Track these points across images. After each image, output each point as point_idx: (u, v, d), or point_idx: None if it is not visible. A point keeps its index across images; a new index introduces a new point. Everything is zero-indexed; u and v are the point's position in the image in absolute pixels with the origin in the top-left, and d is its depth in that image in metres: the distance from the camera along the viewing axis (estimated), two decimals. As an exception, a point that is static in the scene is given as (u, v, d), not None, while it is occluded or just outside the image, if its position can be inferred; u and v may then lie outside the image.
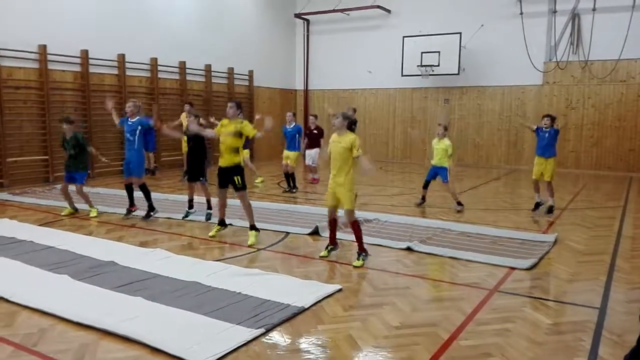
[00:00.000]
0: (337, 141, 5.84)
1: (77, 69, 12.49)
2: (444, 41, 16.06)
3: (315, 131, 11.78)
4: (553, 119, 8.78)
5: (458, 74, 16.16)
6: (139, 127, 7.92)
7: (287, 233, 7.28)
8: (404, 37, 16.75)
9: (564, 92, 15.49)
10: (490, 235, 7.15)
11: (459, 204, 9.14)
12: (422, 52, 16.36)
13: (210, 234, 7.01)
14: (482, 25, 16.02)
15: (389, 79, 17.88)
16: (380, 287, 5.08)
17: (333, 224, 6.15)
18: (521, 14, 15.48)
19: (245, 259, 6.08)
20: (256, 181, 12.06)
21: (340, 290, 4.92)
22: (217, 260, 5.87)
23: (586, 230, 7.65)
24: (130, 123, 7.98)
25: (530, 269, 5.66)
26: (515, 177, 14.37)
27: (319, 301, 4.60)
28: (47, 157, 11.88)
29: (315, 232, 7.20)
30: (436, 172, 9.16)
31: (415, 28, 16.80)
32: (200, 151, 8.16)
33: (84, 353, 3.65)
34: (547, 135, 8.66)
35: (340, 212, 6.14)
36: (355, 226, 5.89)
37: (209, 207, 8.06)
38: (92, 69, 12.70)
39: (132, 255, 5.92)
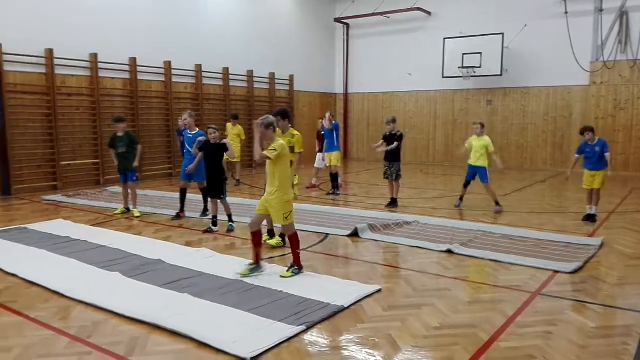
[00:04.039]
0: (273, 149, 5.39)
1: (126, 76, 13.01)
2: (486, 42, 15.84)
3: (323, 133, 11.72)
4: (593, 129, 8.16)
5: (501, 75, 15.90)
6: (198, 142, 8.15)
7: (327, 234, 7.37)
8: (444, 38, 16.62)
9: (612, 92, 14.99)
10: (533, 238, 7.04)
11: (497, 204, 9.00)
12: (463, 54, 16.19)
13: (265, 239, 6.76)
14: (526, 26, 15.72)
15: (429, 81, 17.77)
16: (420, 289, 5.10)
17: (256, 236, 5.46)
18: (566, 13, 15.10)
19: (286, 259, 6.19)
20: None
21: (379, 290, 4.97)
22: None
23: (635, 234, 7.41)
24: (190, 136, 8.33)
25: (575, 272, 5.55)
26: (561, 180, 13.98)
27: (359, 301, 4.67)
28: (98, 160, 12.42)
29: (354, 234, 7.26)
30: (475, 172, 9.03)
31: (456, 29, 16.65)
32: (219, 168, 7.55)
33: (135, 346, 3.85)
34: (596, 148, 8.00)
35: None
36: (294, 238, 5.45)
37: (230, 220, 7.76)
38: (140, 76, 13.20)
39: (179, 254, 6.15)
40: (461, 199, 9.34)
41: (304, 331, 4.03)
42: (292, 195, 5.41)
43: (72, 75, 11.91)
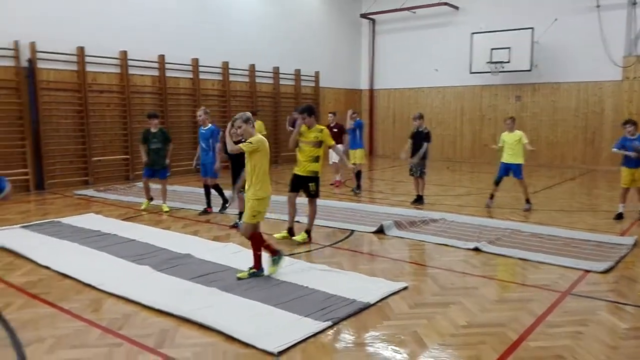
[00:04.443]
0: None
1: (155, 73, 13.21)
2: (515, 37, 15.55)
3: (334, 129, 11.44)
4: (635, 122, 7.84)
5: (530, 70, 15.60)
6: (210, 137, 8.29)
7: (352, 231, 7.37)
8: (472, 33, 16.39)
9: (646, 88, 14.57)
10: (563, 236, 6.91)
11: (528, 201, 8.85)
12: (491, 49, 15.94)
13: (276, 235, 6.88)
14: (556, 20, 15.38)
15: (456, 76, 17.55)
16: (447, 287, 5.06)
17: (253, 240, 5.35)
18: (598, 6, 14.72)
19: (312, 255, 6.24)
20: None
21: (405, 288, 4.95)
22: (285, 256, 6.04)
23: (670, 233, 7.21)
24: (203, 132, 8.41)
25: (606, 272, 5.43)
26: (592, 177, 13.69)
27: (385, 298, 4.66)
28: (127, 156, 12.66)
29: (380, 231, 7.24)
30: (508, 169, 8.84)
31: (484, 24, 16.38)
32: (240, 163, 7.42)
33: (165, 338, 3.92)
34: (635, 143, 7.68)
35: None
36: (253, 240, 5.25)
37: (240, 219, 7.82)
38: (168, 73, 13.39)
39: (207, 249, 6.24)
40: (492, 197, 9.10)
41: (330, 327, 4.05)
42: (268, 193, 5.23)
43: (103, 73, 12.15)
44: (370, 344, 3.82)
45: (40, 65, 10.97)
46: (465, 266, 5.74)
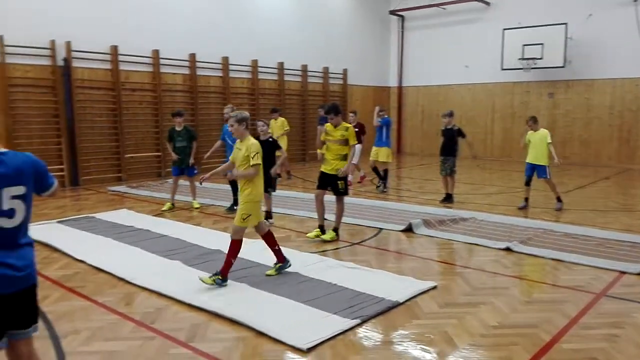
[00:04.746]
0: (238, 147, 5.08)
1: (186, 71, 13.40)
2: (548, 32, 15.22)
3: (355, 129, 11.36)
4: None
5: (563, 66, 15.24)
6: None
7: (380, 229, 7.35)
8: (504, 29, 16.09)
9: (687, 84, 14.08)
10: (598, 237, 6.74)
11: (559, 200, 8.65)
12: (523, 45, 15.63)
13: (309, 235, 6.82)
14: (591, 15, 14.98)
15: (487, 73, 17.28)
16: (477, 287, 5.00)
17: (267, 238, 5.26)
18: (635, 0, 14.27)
19: (340, 252, 6.24)
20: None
21: (435, 287, 4.92)
22: (313, 253, 6.08)
23: None
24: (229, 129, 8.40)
25: (644, 274, 5.29)
26: (628, 176, 13.31)
27: (414, 297, 4.64)
28: (159, 153, 12.89)
29: (408, 229, 7.20)
30: (533, 168, 8.64)
31: (516, 20, 16.07)
32: (269, 162, 7.48)
33: (196, 332, 3.99)
34: None
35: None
36: (236, 245, 4.97)
37: (269, 217, 7.70)
38: (199, 72, 13.57)
39: (236, 246, 6.30)
40: (526, 200, 8.83)
41: (359, 325, 4.05)
42: (261, 197, 5.09)
43: (136, 71, 12.39)
44: (399, 343, 3.81)
45: (76, 64, 11.26)
46: (496, 266, 5.67)
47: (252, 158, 4.88)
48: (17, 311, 2.52)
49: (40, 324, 4.05)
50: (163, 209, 8.81)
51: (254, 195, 4.99)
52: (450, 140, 9.18)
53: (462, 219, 7.78)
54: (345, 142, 6.51)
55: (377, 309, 4.31)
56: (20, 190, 2.42)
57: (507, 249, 6.22)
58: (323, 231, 6.76)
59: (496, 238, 6.70)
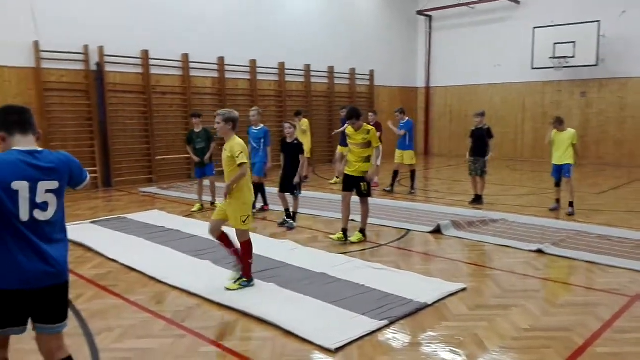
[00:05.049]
0: (224, 148, 4.90)
1: (215, 75, 13.58)
2: (580, 30, 14.87)
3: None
4: None
5: (596, 65, 14.88)
6: (263, 138, 8.33)
7: (408, 230, 7.30)
8: (534, 28, 15.80)
9: None
10: (634, 239, 6.55)
11: (571, 205, 8.31)
12: (554, 43, 15.31)
13: (333, 237, 6.75)
14: (624, 12, 14.58)
15: (517, 72, 16.99)
16: (508, 289, 4.92)
17: (223, 240, 5.01)
18: (673, -5, 13.86)
19: (367, 253, 6.23)
20: (331, 181, 11.92)
21: (464, 289, 4.86)
22: (340, 254, 6.08)
23: None
24: (255, 131, 8.43)
25: (682, 277, 5.12)
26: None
27: (442, 299, 4.60)
28: (189, 155, 13.02)
29: (437, 231, 7.13)
30: (560, 169, 8.35)
31: (547, 18, 15.77)
32: (294, 164, 7.54)
33: (225, 331, 4.05)
34: None
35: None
36: (246, 246, 4.92)
37: (293, 219, 7.69)
38: (227, 75, 13.73)
39: (264, 246, 6.32)
40: (558, 201, 8.58)
41: (387, 326, 4.04)
42: (251, 198, 4.95)
43: (166, 75, 12.62)
44: (428, 345, 3.78)
45: (108, 68, 11.53)
46: (527, 268, 5.57)
47: (237, 157, 4.72)
48: (47, 306, 2.60)
49: (75, 321, 4.20)
50: (193, 209, 8.92)
51: (245, 196, 4.85)
52: (481, 141, 9.06)
53: (492, 221, 7.67)
54: (367, 144, 6.47)
55: (405, 311, 4.28)
56: (54, 185, 2.53)
57: (539, 251, 6.10)
58: (346, 235, 6.68)
59: (527, 240, 6.57)
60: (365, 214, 6.74)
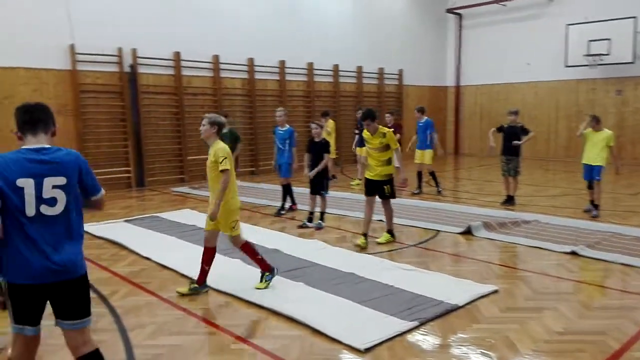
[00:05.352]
0: (209, 153, 4.79)
1: (244, 76, 13.72)
2: (615, 27, 14.44)
3: (392, 130, 11.01)
4: None
5: (633, 62, 14.43)
6: (289, 138, 8.35)
7: (438, 231, 7.24)
8: (567, 24, 15.44)
9: None
10: (673, 242, 6.35)
11: (596, 207, 8.03)
12: (589, 41, 14.93)
13: (358, 242, 6.50)
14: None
15: (550, 70, 16.63)
16: (540, 291, 4.84)
17: (210, 252, 4.93)
18: None
19: (396, 254, 6.20)
20: (352, 183, 11.66)
21: (496, 291, 4.79)
22: (369, 254, 6.08)
23: None
24: (281, 132, 8.44)
25: None
26: None
27: (473, 300, 4.54)
28: (218, 155, 13.22)
29: (467, 232, 7.05)
30: (591, 169, 8.06)
31: (580, 14, 15.37)
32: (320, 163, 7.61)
33: (255, 328, 4.10)
34: None
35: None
36: (247, 247, 4.92)
37: (321, 218, 7.69)
38: (257, 76, 13.85)
39: (293, 245, 6.41)
40: (592, 202, 8.23)
41: (417, 327, 4.01)
42: (237, 203, 4.83)
43: (197, 76, 12.81)
44: (459, 346, 3.74)
45: (141, 70, 11.78)
46: (560, 270, 5.45)
47: (221, 163, 4.58)
48: (62, 302, 2.64)
49: (110, 317, 4.31)
50: None
51: (230, 203, 4.71)
52: (515, 139, 8.89)
53: (525, 222, 7.54)
54: (385, 147, 6.33)
55: (436, 312, 4.25)
56: (61, 180, 2.58)
57: (573, 253, 5.96)
58: (366, 238, 6.50)
59: (560, 241, 6.44)
60: (389, 215, 6.66)
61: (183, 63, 12.39)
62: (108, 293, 4.91)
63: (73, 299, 2.66)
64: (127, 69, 11.60)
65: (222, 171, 4.59)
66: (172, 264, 5.70)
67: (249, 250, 4.96)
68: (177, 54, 12.28)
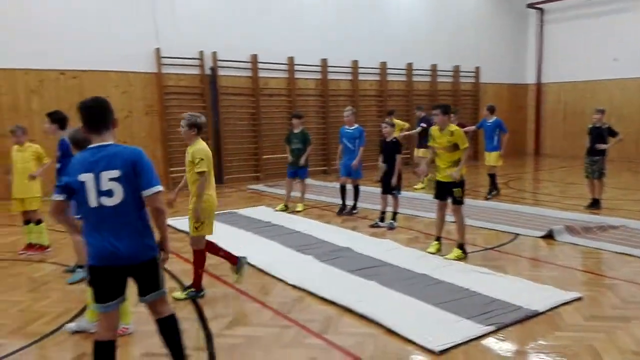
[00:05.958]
0: (187, 152, 4.67)
1: (318, 76, 13.90)
2: None
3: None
4: None
5: None
6: (358, 137, 8.28)
7: (517, 234, 6.98)
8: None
9: None
10: None
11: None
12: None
13: (429, 250, 6.20)
14: None
15: (638, 66, 15.50)
16: (629, 300, 4.55)
17: (200, 255, 4.83)
18: None
19: (472, 257, 6.04)
20: (416, 186, 11.00)
21: (579, 298, 4.56)
22: (442, 256, 5.96)
23: None
24: (349, 131, 8.38)
25: None
26: None
27: (555, 307, 4.35)
28: (291, 154, 13.50)
29: (549, 236, 6.74)
30: None
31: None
32: (391, 164, 7.52)
33: (329, 324, 4.15)
34: None
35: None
36: (198, 254, 4.75)
37: (393, 218, 7.61)
38: (330, 76, 13.99)
39: (365, 244, 6.42)
40: None
41: (494, 332, 3.91)
42: (209, 204, 4.73)
43: (273, 78, 13.14)
44: (538, 354, 3.61)
45: (221, 72, 12.25)
46: (652, 279, 5.10)
47: (197, 165, 4.50)
48: (135, 280, 2.97)
49: (191, 306, 4.53)
50: (276, 209, 8.90)
51: (204, 203, 4.65)
52: (599, 140, 8.43)
53: (611, 227, 7.11)
54: (454, 147, 5.87)
55: (515, 317, 4.11)
56: (115, 173, 2.81)
57: (667, 262, 5.56)
58: (440, 242, 6.24)
59: (652, 249, 6.02)
60: (460, 225, 6.01)
61: (260, 65, 12.74)
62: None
63: (141, 279, 2.98)
64: (207, 72, 12.11)
65: (198, 173, 4.55)
66: (249, 258, 5.86)
67: (197, 258, 4.78)
68: (254, 56, 12.65)
